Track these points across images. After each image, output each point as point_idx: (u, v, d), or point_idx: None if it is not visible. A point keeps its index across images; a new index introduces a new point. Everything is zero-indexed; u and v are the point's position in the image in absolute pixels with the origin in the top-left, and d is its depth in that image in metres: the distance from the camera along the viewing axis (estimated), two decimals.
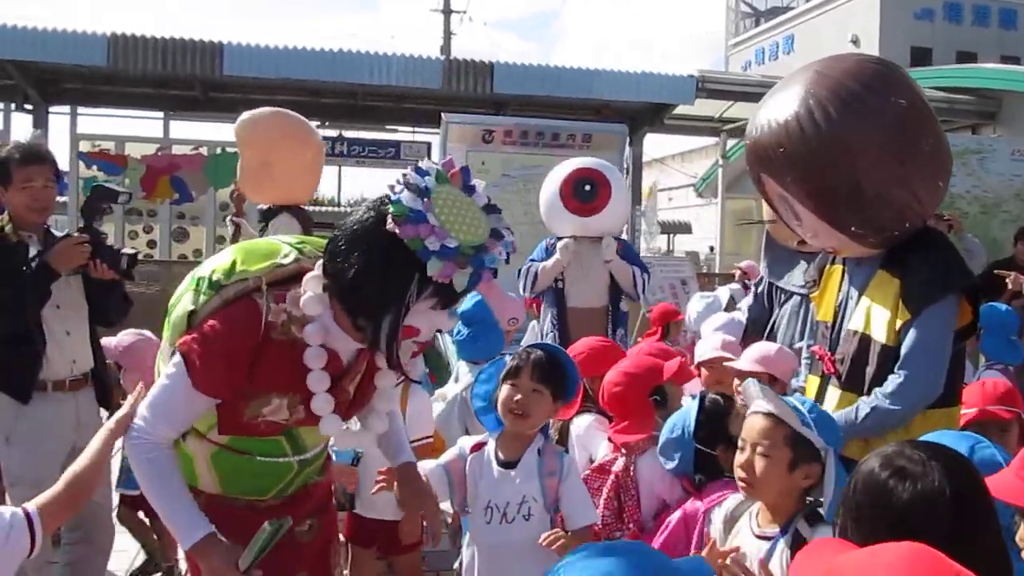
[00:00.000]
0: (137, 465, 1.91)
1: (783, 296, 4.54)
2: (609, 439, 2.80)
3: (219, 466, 2.03)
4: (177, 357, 1.89)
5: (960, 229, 6.24)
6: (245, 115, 4.15)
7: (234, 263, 1.95)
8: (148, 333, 3.93)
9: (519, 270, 5.09)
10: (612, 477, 2.68)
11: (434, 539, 2.36)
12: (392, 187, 1.78)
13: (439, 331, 1.90)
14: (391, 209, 1.73)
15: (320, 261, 1.90)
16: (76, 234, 3.28)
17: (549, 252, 5.00)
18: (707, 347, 3.72)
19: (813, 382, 2.82)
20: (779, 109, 2.51)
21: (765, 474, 2.00)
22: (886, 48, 22.15)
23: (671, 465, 2.55)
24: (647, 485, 2.66)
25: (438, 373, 3.78)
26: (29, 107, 12.15)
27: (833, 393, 2.66)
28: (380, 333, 1.81)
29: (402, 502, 2.25)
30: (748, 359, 3.50)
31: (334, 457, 2.55)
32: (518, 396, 2.47)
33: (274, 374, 1.88)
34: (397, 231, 1.71)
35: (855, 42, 23.78)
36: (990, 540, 1.42)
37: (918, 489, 1.41)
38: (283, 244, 2.03)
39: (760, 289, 4.88)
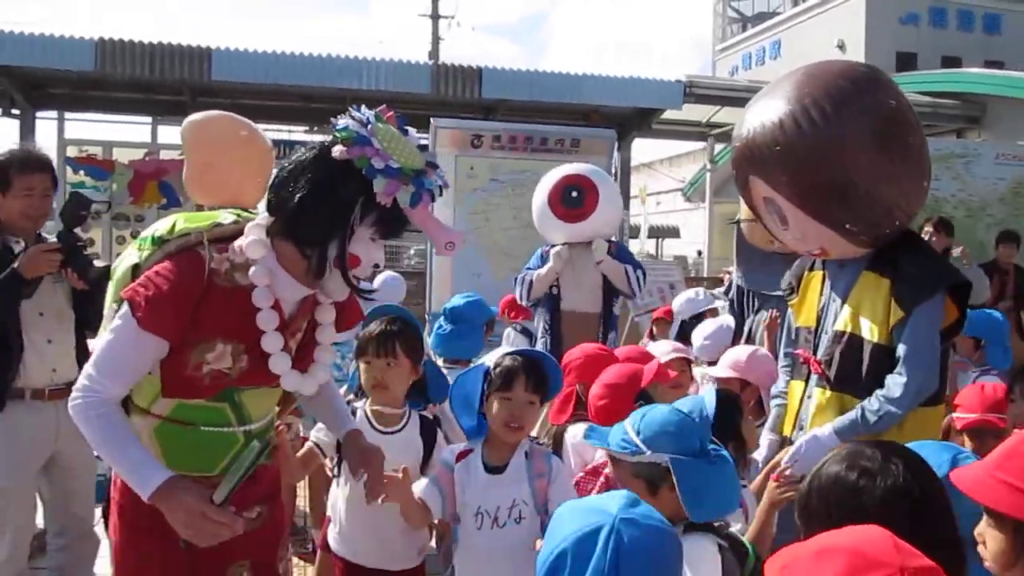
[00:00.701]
0: (86, 423, 1.87)
1: (756, 302, 4.59)
2: None
3: (163, 440, 1.99)
4: (123, 308, 1.90)
5: (970, 262, 6.64)
6: (190, 117, 4.25)
7: (175, 223, 2.04)
8: None
9: (516, 278, 5.14)
10: (602, 479, 2.69)
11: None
12: (335, 121, 1.91)
13: (376, 265, 1.98)
14: (338, 135, 1.86)
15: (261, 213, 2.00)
16: (51, 240, 3.25)
17: (544, 259, 5.03)
18: (662, 350, 3.70)
19: (797, 386, 2.84)
20: (771, 109, 2.54)
21: None
22: (872, 53, 22.26)
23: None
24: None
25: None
26: (16, 112, 12.12)
27: (821, 395, 2.68)
28: (326, 259, 1.90)
29: (352, 465, 2.27)
30: (722, 365, 3.53)
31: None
32: (514, 410, 2.47)
33: (218, 319, 1.91)
34: (345, 152, 1.84)
35: (841, 47, 23.90)
36: (946, 531, 1.49)
37: (887, 486, 1.48)
38: (224, 212, 2.11)
39: (731, 295, 4.94)
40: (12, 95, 11.79)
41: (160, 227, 2.05)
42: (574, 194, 5.00)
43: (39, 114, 12.37)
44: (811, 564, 1.17)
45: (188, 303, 1.87)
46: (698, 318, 5.31)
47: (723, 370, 3.49)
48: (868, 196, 2.49)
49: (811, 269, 2.86)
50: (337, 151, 1.85)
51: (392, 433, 2.74)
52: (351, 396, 3.00)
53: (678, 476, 1.90)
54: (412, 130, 2.00)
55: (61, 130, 12.63)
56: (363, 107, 1.96)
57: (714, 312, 5.44)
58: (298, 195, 1.87)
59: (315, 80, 11.62)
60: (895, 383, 2.50)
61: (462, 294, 4.17)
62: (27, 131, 12.12)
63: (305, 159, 1.91)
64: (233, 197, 4.33)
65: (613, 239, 5.12)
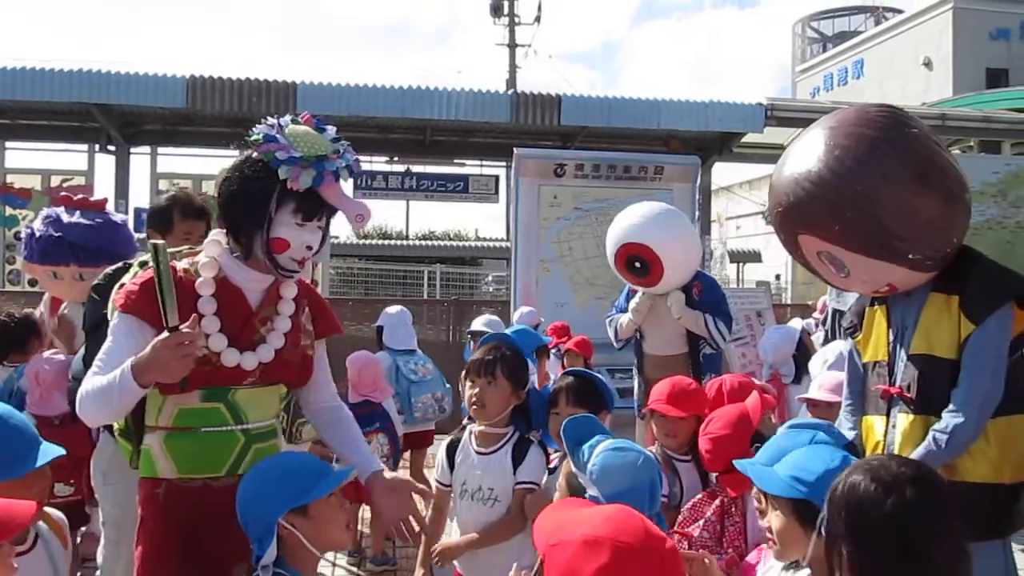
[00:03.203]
0: (87, 390, 2.12)
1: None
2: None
3: (172, 448, 2.24)
4: (115, 314, 2.24)
5: None
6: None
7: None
8: None
9: (607, 319, 5.13)
10: (718, 501, 2.64)
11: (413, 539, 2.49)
12: (252, 131, 2.24)
13: (309, 247, 2.25)
14: (249, 138, 2.21)
15: None
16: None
17: (630, 297, 5.00)
18: (815, 386, 3.69)
19: (875, 421, 2.80)
20: (802, 168, 2.60)
21: None
22: (960, 70, 21.71)
23: None
24: (755, 516, 2.61)
25: None
26: (112, 148, 12.59)
27: (905, 420, 2.67)
28: (253, 243, 2.23)
29: (386, 513, 2.38)
30: (816, 387, 3.49)
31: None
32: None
33: (186, 309, 2.12)
34: (254, 152, 2.19)
35: (927, 64, 23.35)
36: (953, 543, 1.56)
37: (893, 503, 1.53)
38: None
39: (825, 322, 4.84)
40: (109, 132, 12.26)
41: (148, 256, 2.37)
42: (637, 264, 4.79)
43: (133, 149, 12.82)
44: (579, 552, 1.35)
45: (154, 299, 2.10)
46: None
47: (820, 392, 3.47)
48: (923, 223, 2.53)
49: (872, 305, 2.87)
50: (248, 151, 2.22)
51: (487, 454, 2.93)
52: (465, 420, 3.20)
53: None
54: (331, 128, 2.33)
55: (154, 165, 13.11)
56: (287, 115, 2.32)
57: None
58: (225, 195, 2.25)
59: (396, 111, 11.80)
60: (955, 394, 2.53)
61: (512, 327, 4.39)
62: (122, 166, 12.59)
63: (232, 164, 2.26)
64: None
65: (697, 282, 4.88)
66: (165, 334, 2.02)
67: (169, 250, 2.29)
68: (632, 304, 4.92)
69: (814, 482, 1.85)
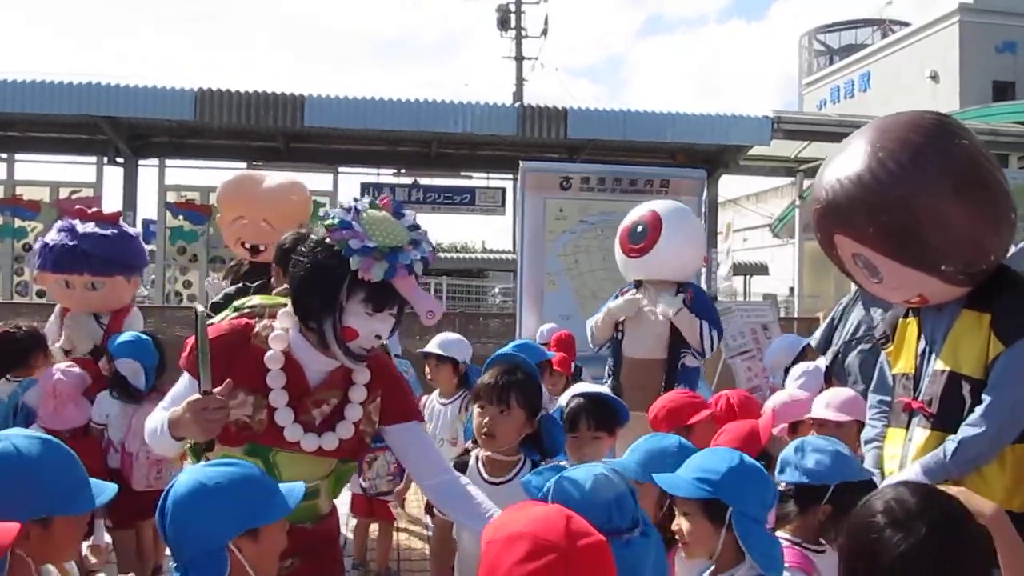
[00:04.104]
0: (148, 426, 2.26)
1: (851, 339, 4.48)
2: None
3: None
4: None
5: None
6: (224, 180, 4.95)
7: (260, 301, 2.44)
8: None
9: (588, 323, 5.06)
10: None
11: None
12: (328, 212, 2.20)
13: (379, 336, 2.21)
14: (324, 223, 2.16)
15: None
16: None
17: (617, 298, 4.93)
18: (821, 405, 3.64)
19: (897, 433, 2.79)
20: (847, 167, 2.59)
21: None
22: (966, 83, 21.68)
23: None
24: None
25: None
26: (120, 160, 12.66)
27: (921, 434, 2.65)
28: (324, 331, 2.16)
29: None
30: (832, 408, 3.47)
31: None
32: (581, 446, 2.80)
33: (244, 372, 2.18)
34: (328, 238, 2.12)
35: (934, 77, 23.33)
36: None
37: (908, 543, 1.52)
38: None
39: (824, 328, 4.83)
40: (117, 144, 12.33)
41: (246, 301, 2.46)
42: (639, 229, 4.88)
43: (141, 162, 12.89)
44: (502, 547, 1.41)
45: (220, 354, 2.14)
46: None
47: (827, 412, 3.43)
48: (959, 236, 2.49)
49: (905, 316, 2.84)
50: (322, 235, 2.15)
51: (498, 484, 2.68)
52: (468, 443, 2.98)
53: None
54: (409, 214, 2.28)
55: (162, 177, 13.17)
56: (359, 195, 2.33)
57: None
58: (296, 278, 2.19)
59: (404, 124, 11.84)
60: (976, 410, 2.50)
61: (514, 342, 4.15)
62: (130, 179, 12.66)
63: (306, 246, 2.20)
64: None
65: (690, 289, 4.83)
66: (197, 396, 2.08)
67: (257, 303, 2.40)
68: (625, 298, 4.83)
69: (719, 481, 2.00)
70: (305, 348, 2.23)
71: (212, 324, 2.30)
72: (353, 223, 2.13)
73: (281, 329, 2.25)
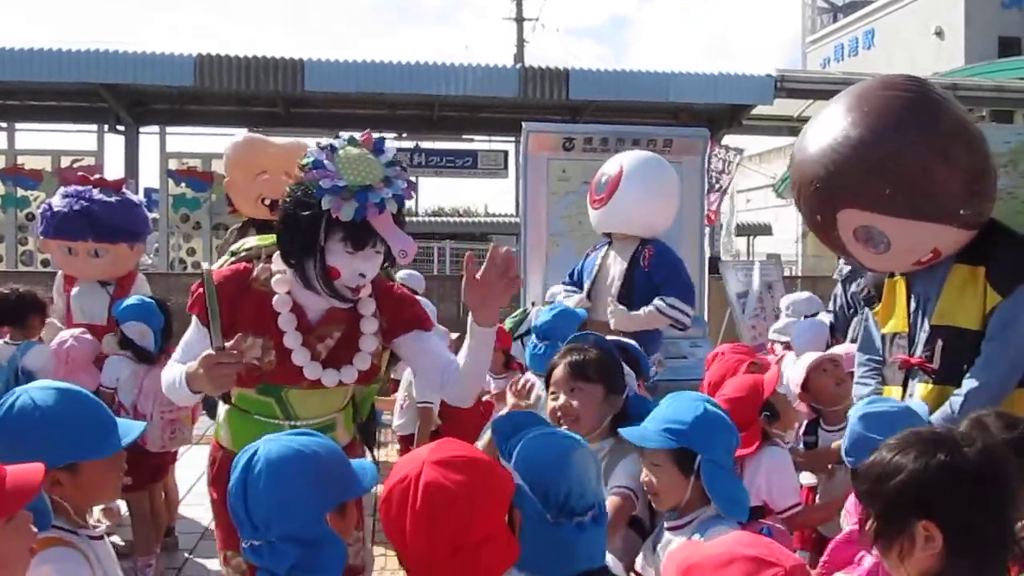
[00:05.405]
0: (165, 379, 2.31)
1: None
2: None
3: (232, 423, 2.40)
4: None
5: None
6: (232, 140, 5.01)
7: (251, 242, 2.49)
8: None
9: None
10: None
11: None
12: (309, 150, 2.19)
13: (363, 275, 2.20)
14: (300, 163, 2.17)
15: None
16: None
17: (588, 258, 4.69)
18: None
19: (892, 391, 2.78)
20: (836, 137, 2.54)
21: None
22: (972, 39, 21.46)
23: None
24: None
25: None
26: (121, 128, 12.62)
27: (924, 389, 2.66)
28: (307, 272, 2.19)
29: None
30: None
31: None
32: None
33: (250, 315, 2.23)
34: (304, 177, 2.14)
35: (939, 34, 23.09)
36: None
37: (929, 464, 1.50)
38: None
39: (836, 301, 4.82)
40: (117, 112, 12.29)
41: (242, 244, 2.50)
42: (603, 179, 4.65)
43: (142, 129, 12.86)
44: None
45: (224, 301, 2.21)
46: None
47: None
48: (972, 171, 2.52)
49: (891, 276, 2.83)
50: (298, 175, 2.17)
51: None
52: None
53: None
54: (389, 149, 2.24)
55: (163, 144, 13.14)
56: (340, 133, 2.25)
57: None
58: (278, 221, 2.24)
59: (404, 88, 11.77)
60: (977, 362, 2.53)
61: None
62: (131, 146, 12.63)
63: (288, 191, 2.21)
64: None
65: (650, 246, 4.38)
66: (210, 351, 2.12)
67: (253, 245, 2.43)
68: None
69: (687, 431, 2.03)
70: (300, 288, 2.27)
71: (213, 271, 2.34)
72: (326, 162, 2.13)
73: (279, 271, 2.28)
